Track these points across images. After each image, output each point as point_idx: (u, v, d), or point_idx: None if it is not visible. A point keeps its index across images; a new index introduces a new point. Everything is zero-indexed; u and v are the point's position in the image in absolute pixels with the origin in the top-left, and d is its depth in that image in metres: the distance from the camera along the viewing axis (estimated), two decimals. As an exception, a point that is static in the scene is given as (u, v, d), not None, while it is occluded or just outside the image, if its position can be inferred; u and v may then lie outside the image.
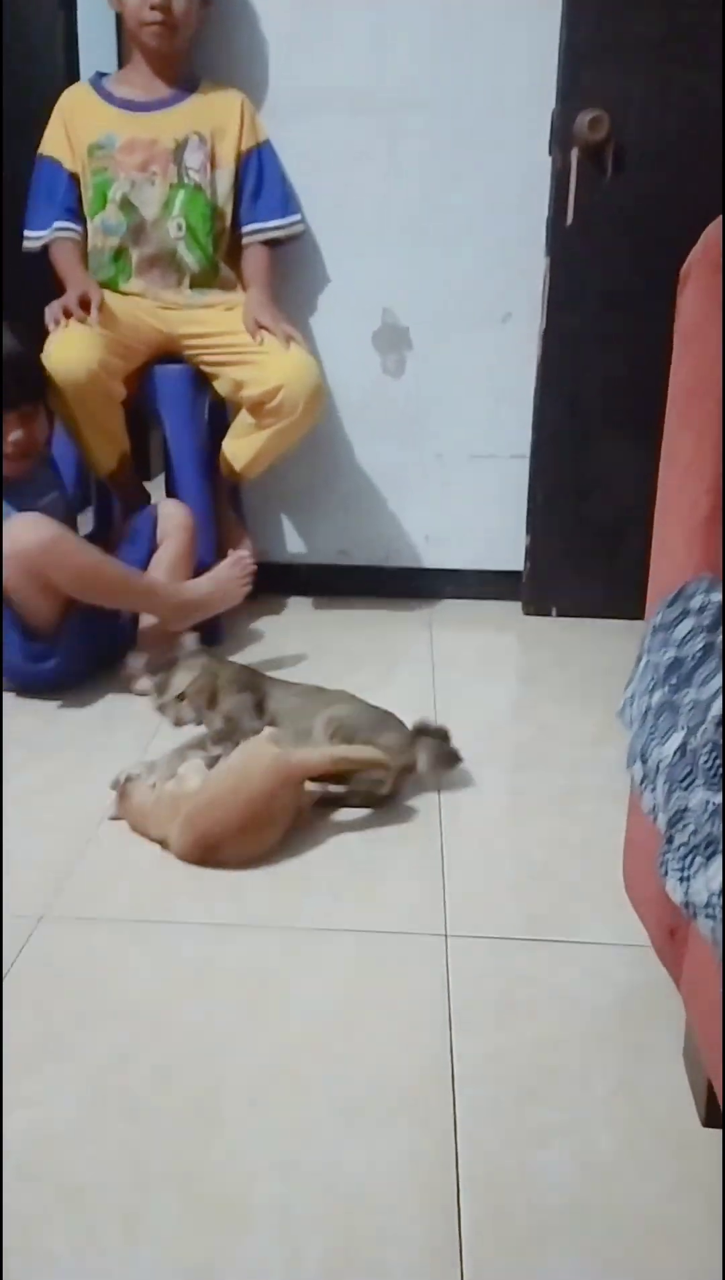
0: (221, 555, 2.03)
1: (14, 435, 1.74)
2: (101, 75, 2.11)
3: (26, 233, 2.08)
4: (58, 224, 2.05)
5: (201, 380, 2.10)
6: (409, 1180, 0.85)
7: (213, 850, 1.28)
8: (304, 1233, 0.80)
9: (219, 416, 2.16)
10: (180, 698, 1.50)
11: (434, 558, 2.42)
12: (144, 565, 1.90)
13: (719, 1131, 0.89)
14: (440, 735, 1.51)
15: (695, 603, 0.84)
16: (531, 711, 1.85)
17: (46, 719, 1.72)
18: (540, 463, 2.24)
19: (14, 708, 1.75)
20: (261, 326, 1.98)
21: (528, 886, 1.28)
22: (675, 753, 0.74)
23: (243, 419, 2.07)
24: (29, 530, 1.66)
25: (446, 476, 2.36)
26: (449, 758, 1.50)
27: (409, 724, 1.50)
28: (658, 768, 0.77)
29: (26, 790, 1.47)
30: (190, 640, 1.63)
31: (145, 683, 1.57)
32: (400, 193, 2.19)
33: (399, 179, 2.18)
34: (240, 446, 2.09)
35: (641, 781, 0.80)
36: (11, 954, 1.11)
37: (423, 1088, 0.94)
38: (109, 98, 2.06)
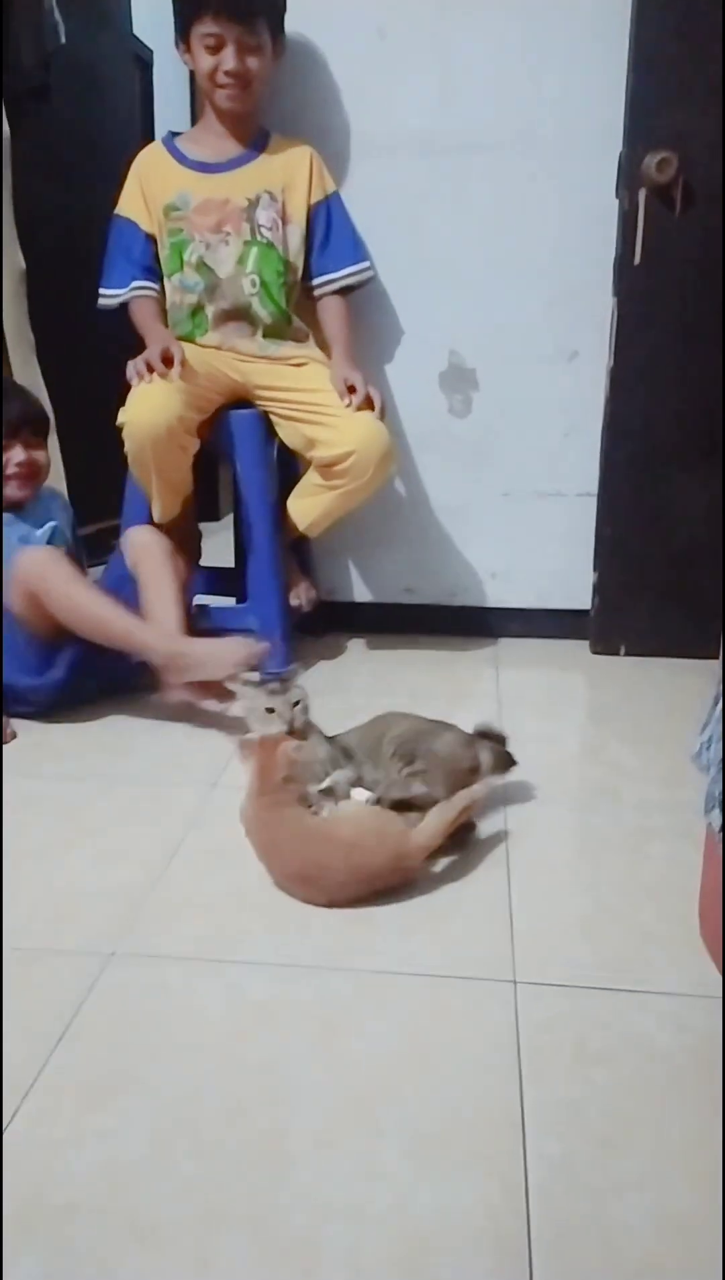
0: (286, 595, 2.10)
1: (19, 458, 1.85)
2: (174, 135, 2.19)
3: (102, 290, 2.16)
4: (135, 283, 2.13)
5: (272, 424, 2.15)
6: (480, 1228, 0.83)
7: (304, 886, 1.28)
8: (374, 1276, 0.79)
9: (288, 457, 2.20)
10: (297, 703, 1.43)
11: (500, 596, 2.42)
12: (120, 585, 1.97)
13: None
14: (498, 739, 1.55)
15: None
16: (600, 750, 1.83)
17: (118, 752, 1.76)
18: (608, 500, 2.24)
19: (86, 742, 1.79)
20: (351, 389, 2.00)
21: (598, 931, 1.25)
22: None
23: (309, 478, 2.10)
24: (27, 561, 1.81)
25: (512, 515, 2.36)
26: (506, 760, 1.53)
27: (469, 729, 1.54)
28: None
29: (98, 823, 1.51)
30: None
31: (254, 694, 1.44)
32: (467, 235, 2.23)
33: (465, 221, 2.22)
34: (305, 506, 2.12)
35: (722, 828, 0.79)
36: (83, 989, 1.12)
37: (493, 1135, 0.93)
38: (182, 159, 2.13)
